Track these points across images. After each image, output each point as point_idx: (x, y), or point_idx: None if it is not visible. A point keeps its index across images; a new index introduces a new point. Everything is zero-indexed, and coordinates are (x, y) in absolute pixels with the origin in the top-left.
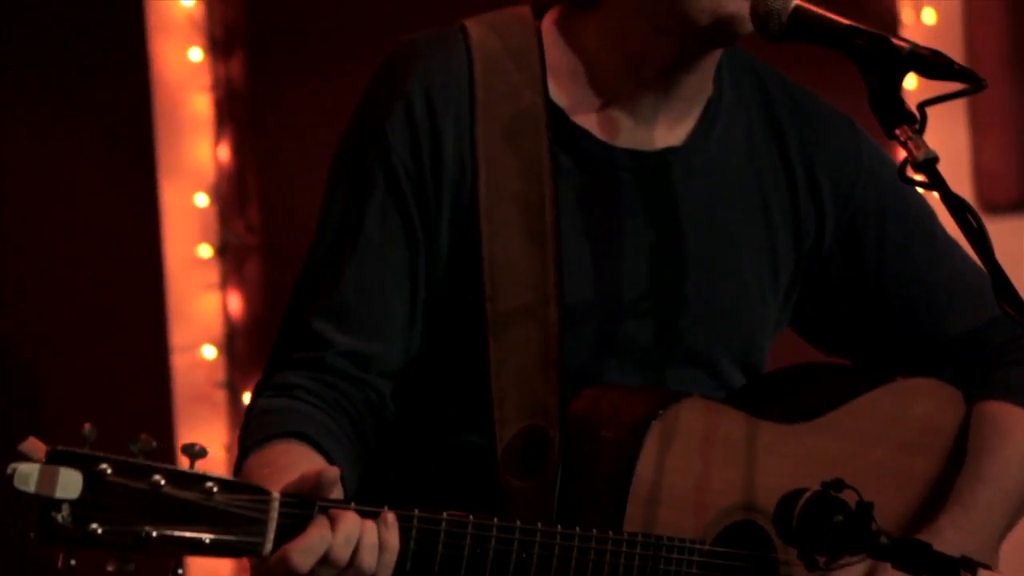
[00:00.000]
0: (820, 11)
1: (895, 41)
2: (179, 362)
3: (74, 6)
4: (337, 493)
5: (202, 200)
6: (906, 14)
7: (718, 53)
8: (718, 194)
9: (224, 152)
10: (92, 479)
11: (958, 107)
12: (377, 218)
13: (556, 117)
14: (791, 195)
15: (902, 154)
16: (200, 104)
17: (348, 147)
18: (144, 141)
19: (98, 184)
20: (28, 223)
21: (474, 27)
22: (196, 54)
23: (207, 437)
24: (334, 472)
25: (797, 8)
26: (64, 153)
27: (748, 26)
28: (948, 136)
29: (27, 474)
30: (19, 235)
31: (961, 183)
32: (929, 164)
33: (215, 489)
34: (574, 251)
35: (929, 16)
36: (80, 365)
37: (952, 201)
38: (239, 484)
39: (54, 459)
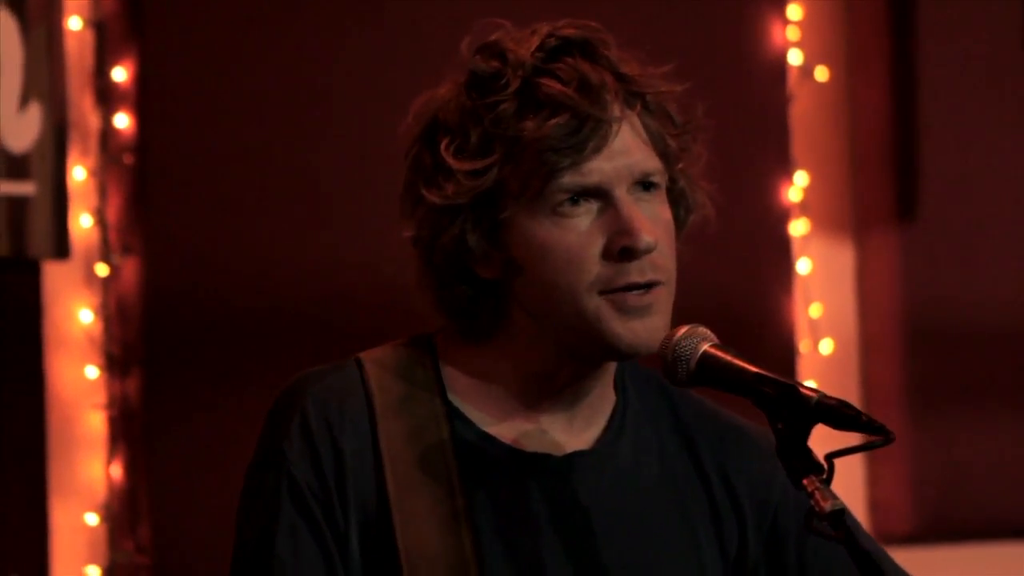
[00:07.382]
0: (729, 358)
1: (802, 391)
2: None
3: None
4: None
5: (92, 519)
6: (803, 344)
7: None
8: (633, 496)
9: (116, 471)
10: None
11: (852, 438)
12: (288, 538)
13: (459, 420)
14: (709, 501)
15: None
16: (94, 422)
17: (252, 476)
18: (36, 458)
19: None
20: None
21: (366, 355)
22: (92, 371)
23: None
24: None
25: (705, 355)
26: None
27: (654, 347)
28: (843, 467)
29: None
30: None
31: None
32: (836, 516)
33: None
34: (489, 553)
35: (826, 346)
36: None
37: (859, 555)
38: None
39: None
